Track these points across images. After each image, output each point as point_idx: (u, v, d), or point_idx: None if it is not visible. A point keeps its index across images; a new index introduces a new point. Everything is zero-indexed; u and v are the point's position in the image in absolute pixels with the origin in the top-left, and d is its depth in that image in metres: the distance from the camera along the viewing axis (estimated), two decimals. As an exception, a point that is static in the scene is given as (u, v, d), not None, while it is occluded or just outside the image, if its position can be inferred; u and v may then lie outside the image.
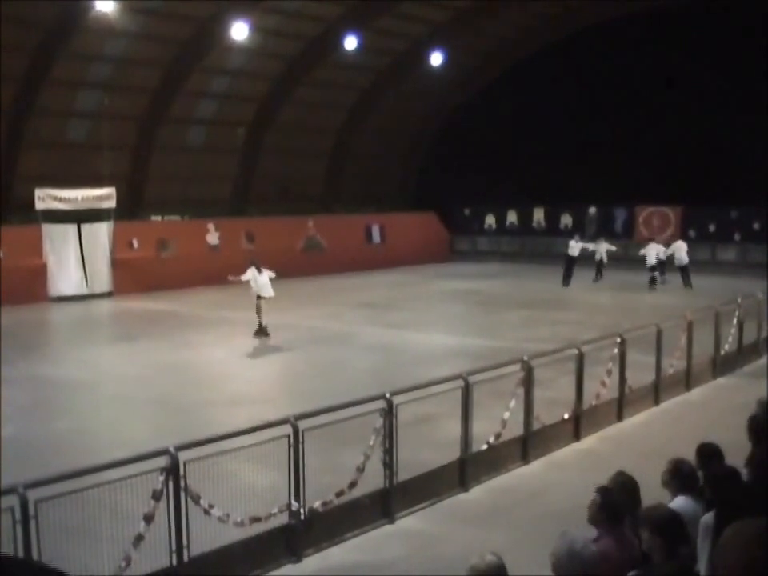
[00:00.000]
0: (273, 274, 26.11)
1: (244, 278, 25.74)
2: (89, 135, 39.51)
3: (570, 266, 37.77)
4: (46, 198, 34.07)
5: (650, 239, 39.34)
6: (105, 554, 8.69)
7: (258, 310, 25.68)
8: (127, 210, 38.31)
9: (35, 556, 8.01)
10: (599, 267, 39.10)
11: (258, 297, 25.64)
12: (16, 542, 7.93)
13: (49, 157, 37.51)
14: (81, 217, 35.12)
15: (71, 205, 34.73)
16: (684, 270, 36.29)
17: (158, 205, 41.41)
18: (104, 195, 35.71)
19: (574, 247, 38.01)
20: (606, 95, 46.03)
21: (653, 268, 36.40)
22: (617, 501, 6.60)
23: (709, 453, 7.95)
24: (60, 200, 34.42)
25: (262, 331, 25.56)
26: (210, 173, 44.41)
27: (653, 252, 36.59)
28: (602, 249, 39.21)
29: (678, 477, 7.39)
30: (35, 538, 8.04)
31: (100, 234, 35.72)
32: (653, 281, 36.19)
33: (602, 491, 6.63)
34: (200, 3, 36.45)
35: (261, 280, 25.66)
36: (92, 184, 35.82)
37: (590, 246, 39.16)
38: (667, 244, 37.99)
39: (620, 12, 45.43)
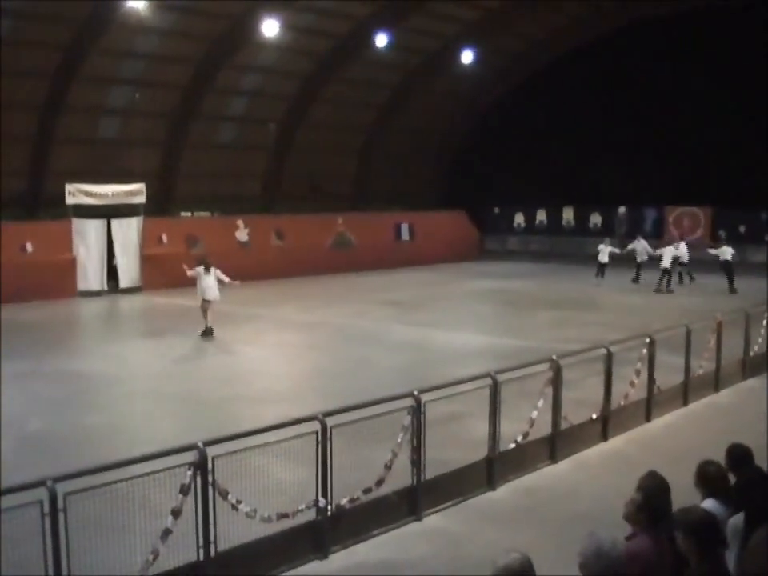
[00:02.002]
0: (226, 279, 25.29)
1: (189, 272, 25.31)
2: (120, 131, 39.78)
3: (601, 268, 37.42)
4: (77, 193, 34.27)
5: (679, 238, 38.98)
6: (133, 547, 8.72)
7: (203, 312, 25.01)
8: (157, 206, 38.50)
9: (63, 549, 8.06)
10: (639, 268, 38.06)
11: (203, 299, 24.99)
12: (44, 535, 7.98)
13: (80, 153, 37.77)
14: (111, 212, 35.31)
15: (101, 200, 34.91)
16: (726, 271, 35.53)
17: (188, 201, 41.62)
18: (134, 191, 35.89)
19: (604, 251, 37.69)
20: (636, 95, 45.90)
21: (665, 271, 35.68)
22: (657, 501, 6.56)
23: (739, 454, 7.89)
24: (90, 195, 34.61)
25: (207, 332, 24.98)
26: (240, 170, 44.58)
27: (669, 254, 35.80)
28: (641, 248, 38.19)
29: (705, 479, 7.36)
30: (63, 531, 8.07)
31: (130, 229, 35.89)
32: (663, 282, 35.75)
33: (643, 490, 6.59)
34: (232, 1, 36.56)
35: (205, 282, 24.95)
36: (123, 180, 36.04)
37: (629, 246, 38.59)
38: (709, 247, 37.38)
39: (652, 13, 45.22)
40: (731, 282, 35.02)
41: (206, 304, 24.89)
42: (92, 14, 34.21)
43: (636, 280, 37.91)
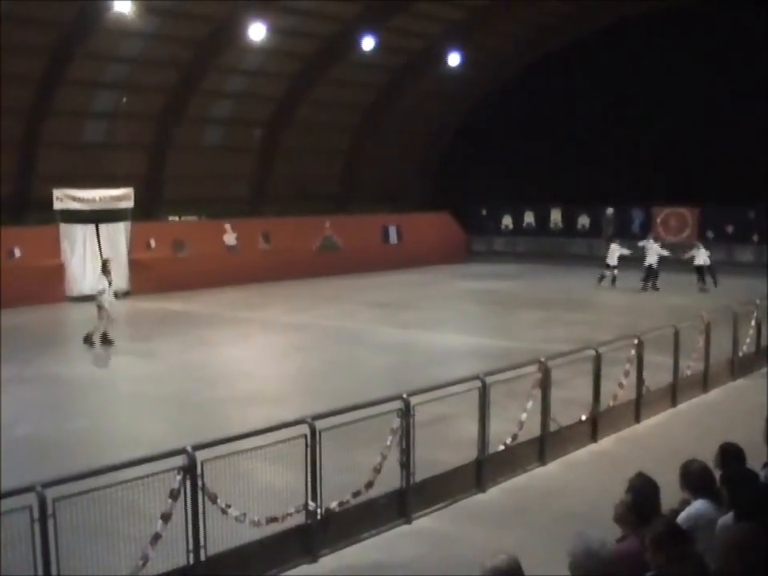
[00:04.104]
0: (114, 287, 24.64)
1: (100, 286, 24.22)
2: (106, 135, 39.69)
3: (612, 270, 37.15)
4: (64, 198, 34.17)
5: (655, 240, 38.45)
6: (122, 552, 8.72)
7: (99, 315, 24.08)
8: (144, 210, 38.38)
9: (53, 555, 8.05)
10: (649, 274, 36.10)
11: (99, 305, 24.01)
12: (34, 541, 7.96)
13: (66, 157, 37.66)
14: (98, 217, 35.22)
15: (89, 205, 34.82)
16: (707, 271, 35.52)
17: (175, 205, 41.53)
18: (121, 195, 35.81)
19: (615, 251, 37.12)
20: (623, 95, 45.99)
21: (650, 268, 35.65)
22: (646, 502, 6.58)
23: (732, 453, 7.91)
24: (78, 200, 34.51)
25: (88, 339, 24.10)
26: (227, 173, 44.49)
27: (654, 254, 35.81)
28: (653, 250, 36.28)
29: (690, 479, 7.38)
30: (53, 536, 8.06)
31: (117, 234, 35.80)
32: (646, 281, 35.68)
33: (633, 492, 6.62)
34: (216, 3, 36.53)
35: (101, 284, 24.12)
36: (109, 184, 35.93)
37: (639, 244, 37.67)
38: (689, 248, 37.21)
39: (638, 11, 45.31)
40: (703, 279, 35.43)
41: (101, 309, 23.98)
42: (77, 18, 34.13)
43: (647, 287, 36.16)
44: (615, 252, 37.21)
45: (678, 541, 5.89)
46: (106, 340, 24.20)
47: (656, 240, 38.05)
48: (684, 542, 5.92)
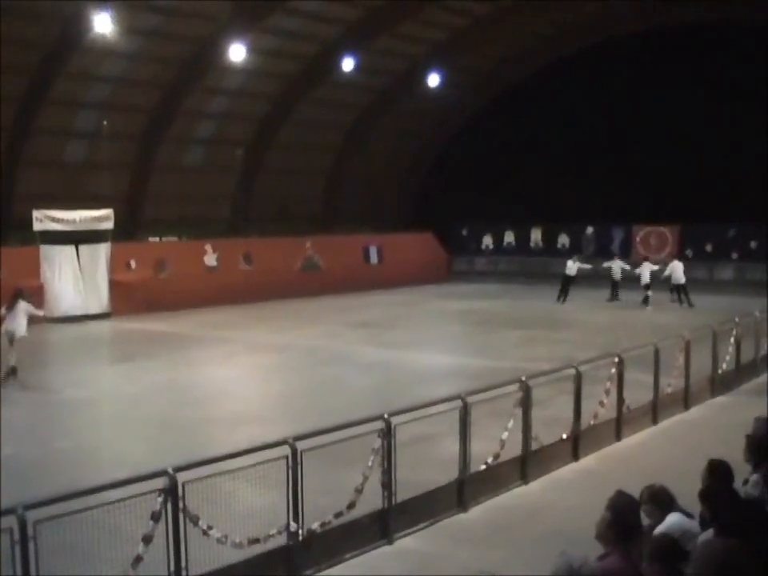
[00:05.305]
0: (36, 311, 23.06)
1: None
2: (87, 155, 39.67)
3: (566, 284, 37.84)
4: (44, 219, 34.07)
5: (645, 258, 39.19)
6: (104, 575, 8.67)
7: (6, 349, 22.07)
8: (125, 231, 38.34)
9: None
10: (615, 287, 38.64)
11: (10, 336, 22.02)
12: (14, 563, 7.92)
13: (47, 177, 37.69)
14: (79, 238, 35.11)
15: (69, 226, 34.72)
16: (682, 290, 36.21)
17: (156, 225, 41.52)
18: (102, 216, 35.72)
19: (572, 267, 38.05)
20: (602, 116, 46.28)
21: (647, 287, 36.35)
22: (627, 519, 6.61)
23: (720, 469, 7.96)
24: (58, 221, 34.41)
25: (9, 374, 21.86)
26: (209, 193, 44.55)
27: (647, 271, 36.59)
28: (617, 267, 38.75)
29: (657, 498, 7.47)
30: (34, 559, 8.02)
31: (98, 255, 35.69)
32: (646, 299, 36.10)
33: (613, 509, 6.64)
34: (198, 24, 36.68)
35: (18, 317, 22.11)
36: (90, 204, 35.87)
37: (605, 264, 38.99)
38: (664, 264, 37.71)
39: (617, 33, 45.70)
40: (686, 296, 36.00)
41: (12, 341, 22.00)
42: (59, 38, 34.19)
43: (613, 298, 38.29)
44: (573, 268, 38.07)
45: (677, 557, 5.95)
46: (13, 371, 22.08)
47: (622, 259, 40.25)
48: (683, 559, 5.98)
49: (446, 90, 46.95)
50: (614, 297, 38.39)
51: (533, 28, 46.15)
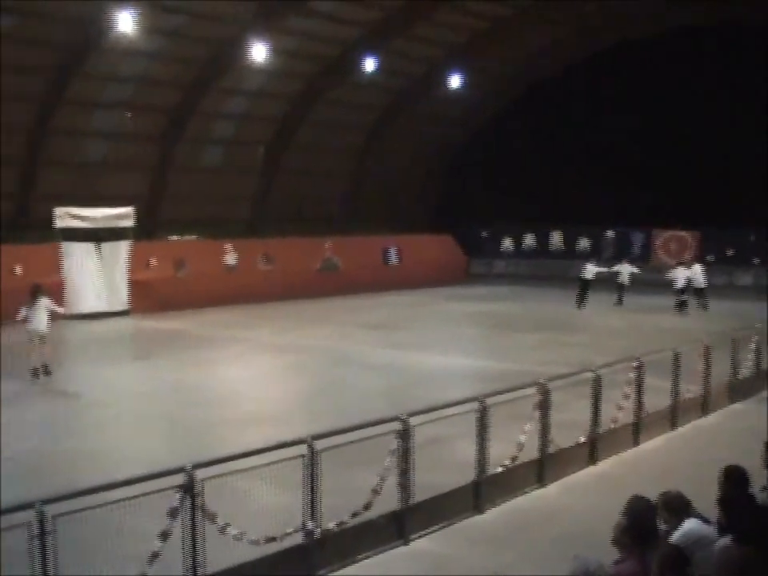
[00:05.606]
0: (56, 308, 22.91)
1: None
2: (107, 155, 39.75)
3: (584, 289, 37.65)
4: (66, 216, 34.24)
5: (680, 263, 38.89)
6: (121, 570, 8.69)
7: (31, 348, 22.06)
8: (144, 230, 38.42)
9: (51, 571, 8.03)
10: (620, 291, 38.35)
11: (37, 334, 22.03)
12: (32, 557, 7.95)
13: (67, 176, 37.74)
14: (100, 235, 35.25)
15: (90, 223, 34.87)
16: (700, 294, 36.16)
17: (175, 224, 41.57)
18: (123, 214, 35.85)
19: (590, 271, 37.92)
20: (623, 118, 46.08)
21: (681, 291, 36.16)
22: (643, 524, 6.59)
23: (736, 475, 7.93)
24: (79, 218, 34.57)
25: (36, 372, 21.89)
26: (227, 193, 44.57)
27: (682, 276, 36.29)
28: (626, 272, 38.63)
29: (671, 505, 7.42)
30: (52, 554, 8.04)
31: (118, 252, 35.79)
32: (683, 304, 35.90)
33: (629, 513, 6.63)
34: (219, 24, 36.70)
35: (39, 313, 22.04)
36: (109, 203, 35.98)
37: (614, 268, 38.85)
38: (687, 267, 37.59)
39: (638, 34, 45.56)
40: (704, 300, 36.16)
41: (35, 339, 22.05)
42: (79, 38, 34.27)
43: (619, 302, 38.02)
44: (591, 272, 38.06)
45: (682, 564, 5.94)
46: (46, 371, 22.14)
47: (632, 263, 40.13)
48: (687, 566, 5.97)
49: (465, 91, 46.83)
50: (619, 301, 38.00)
51: (552, 30, 45.97)
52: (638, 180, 45.90)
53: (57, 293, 33.46)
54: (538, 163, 48.69)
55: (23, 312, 21.98)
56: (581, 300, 37.29)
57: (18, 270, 32.69)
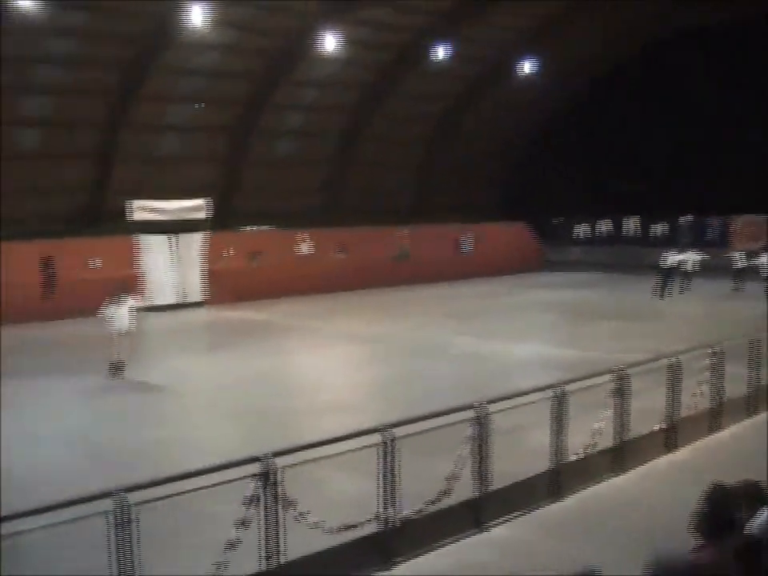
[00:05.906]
0: (138, 303, 22.94)
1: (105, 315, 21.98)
2: (180, 147, 40.13)
3: (666, 277, 37.04)
4: (141, 209, 34.71)
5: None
6: (198, 557, 8.80)
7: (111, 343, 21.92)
8: (218, 221, 38.77)
9: (131, 559, 8.15)
10: (685, 278, 37.89)
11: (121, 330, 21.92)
12: (110, 546, 8.08)
13: (141, 169, 38.17)
14: (175, 227, 35.67)
15: (165, 216, 35.34)
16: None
17: (250, 215, 41.85)
18: (197, 206, 36.27)
19: (671, 259, 37.38)
20: (702, 102, 45.37)
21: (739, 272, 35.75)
22: (722, 513, 6.51)
23: None
24: (154, 211, 35.02)
25: (115, 368, 21.70)
26: (300, 183, 44.73)
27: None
28: (690, 259, 38.09)
29: (749, 495, 7.31)
30: (132, 542, 8.16)
31: (193, 244, 36.21)
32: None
33: (708, 502, 6.55)
34: (289, 15, 36.81)
35: (119, 311, 21.90)
36: (184, 195, 36.37)
37: (680, 257, 38.32)
38: (756, 254, 37.01)
39: (712, 18, 44.75)
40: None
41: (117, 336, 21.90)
42: (152, 32, 34.62)
43: (683, 290, 37.45)
44: (671, 260, 37.48)
45: (760, 553, 5.87)
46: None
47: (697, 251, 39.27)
48: (765, 555, 5.90)
49: (539, 78, 46.44)
50: (684, 288, 37.36)
51: (627, 11, 45.26)
52: (714, 165, 45.14)
53: (133, 285, 34.10)
54: (612, 150, 48.18)
55: (107, 311, 21.87)
56: (662, 289, 36.74)
57: (96, 262, 33.20)
